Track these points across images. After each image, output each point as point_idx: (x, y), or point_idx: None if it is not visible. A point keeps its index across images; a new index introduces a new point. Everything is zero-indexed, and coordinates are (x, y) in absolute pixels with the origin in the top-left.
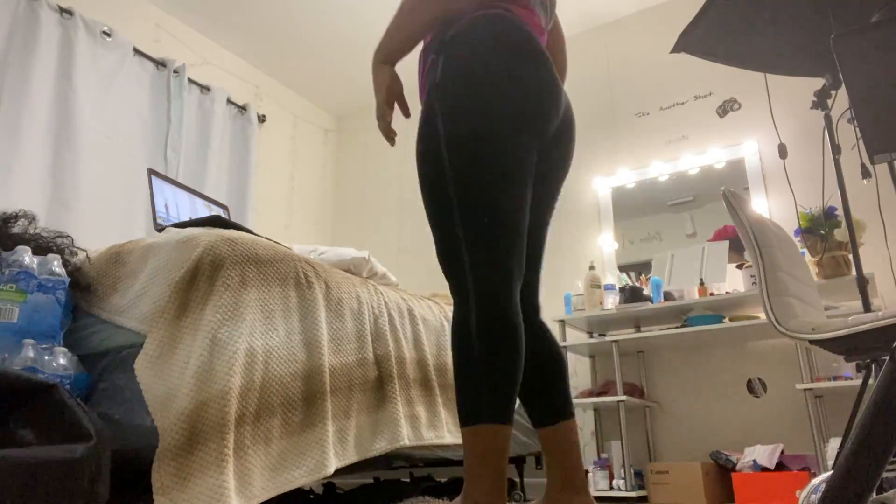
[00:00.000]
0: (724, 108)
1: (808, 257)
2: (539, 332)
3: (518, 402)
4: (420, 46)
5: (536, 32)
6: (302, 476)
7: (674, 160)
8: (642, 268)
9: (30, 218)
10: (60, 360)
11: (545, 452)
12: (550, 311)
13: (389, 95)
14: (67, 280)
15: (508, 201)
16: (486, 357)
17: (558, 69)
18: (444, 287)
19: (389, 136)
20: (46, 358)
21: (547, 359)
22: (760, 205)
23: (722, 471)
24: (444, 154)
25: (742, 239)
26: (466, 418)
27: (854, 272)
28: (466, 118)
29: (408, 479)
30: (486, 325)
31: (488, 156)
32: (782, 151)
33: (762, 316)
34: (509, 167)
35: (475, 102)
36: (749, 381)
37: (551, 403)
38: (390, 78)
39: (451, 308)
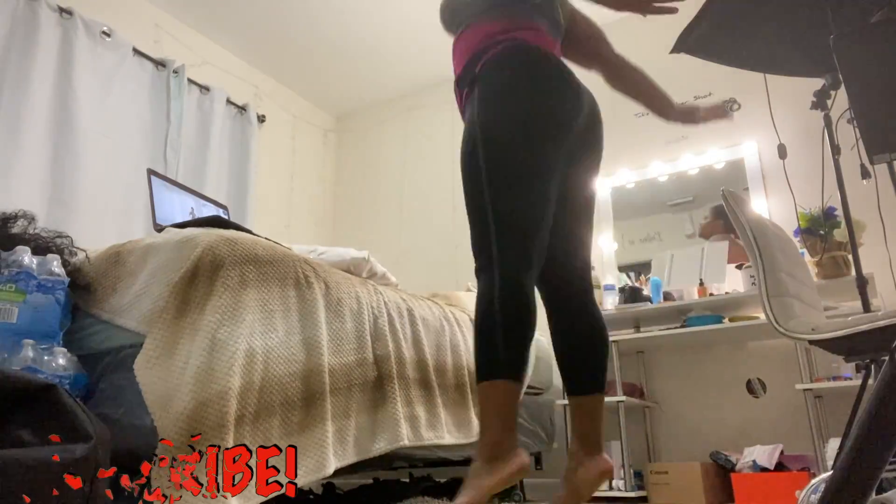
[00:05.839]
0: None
1: (807, 258)
2: (581, 309)
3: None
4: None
5: (548, 46)
6: (301, 476)
7: (673, 160)
8: (642, 268)
9: (29, 218)
10: (60, 360)
11: (571, 419)
12: None
13: None
14: (67, 280)
15: (530, 197)
16: (505, 327)
17: (603, 59)
18: (443, 287)
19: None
20: (46, 358)
21: (583, 338)
22: (760, 205)
23: (721, 471)
24: (482, 164)
25: (742, 239)
26: (486, 374)
27: (853, 272)
28: (499, 134)
29: (407, 479)
30: (507, 300)
31: (516, 162)
32: (782, 152)
33: (762, 316)
34: (534, 169)
35: (505, 121)
36: (749, 382)
37: (580, 379)
38: None
39: (450, 308)
